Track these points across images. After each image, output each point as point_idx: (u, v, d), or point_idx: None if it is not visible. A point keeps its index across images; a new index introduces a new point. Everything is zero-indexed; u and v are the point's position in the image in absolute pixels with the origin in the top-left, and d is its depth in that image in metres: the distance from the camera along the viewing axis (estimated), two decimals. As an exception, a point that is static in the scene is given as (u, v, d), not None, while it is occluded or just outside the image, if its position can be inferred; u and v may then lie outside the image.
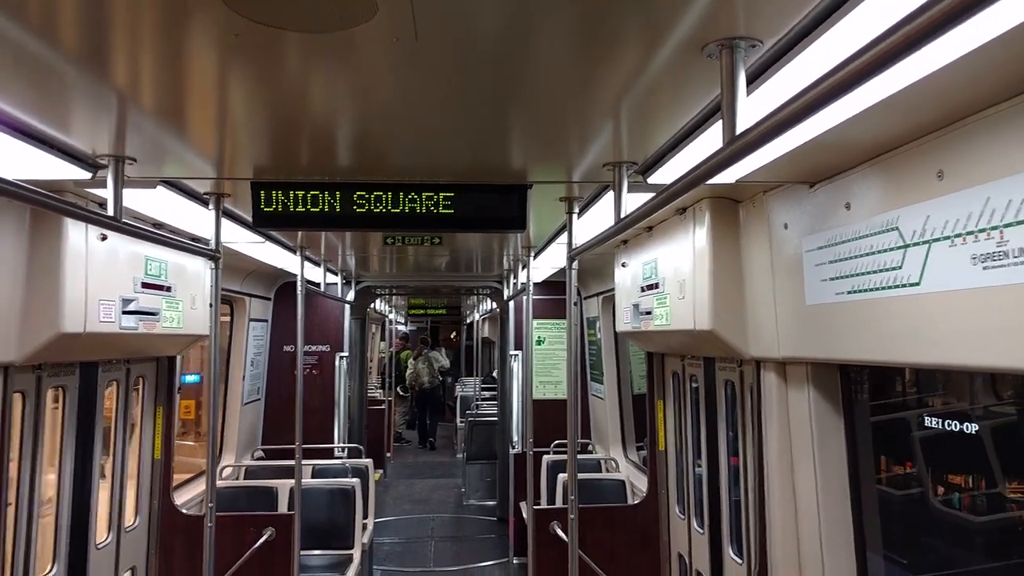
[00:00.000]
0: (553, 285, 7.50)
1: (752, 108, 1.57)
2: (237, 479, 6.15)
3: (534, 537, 4.86)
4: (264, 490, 5.56)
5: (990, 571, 3.28)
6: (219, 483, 5.69)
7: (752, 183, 2.96)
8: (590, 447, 7.34)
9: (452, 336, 22.41)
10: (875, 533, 3.03)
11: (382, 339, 16.96)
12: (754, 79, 1.71)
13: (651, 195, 2.28)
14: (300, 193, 3.02)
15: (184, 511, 4.74)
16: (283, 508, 5.42)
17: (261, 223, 3.08)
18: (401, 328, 20.45)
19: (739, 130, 1.53)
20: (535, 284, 7.00)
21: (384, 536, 8.58)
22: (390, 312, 16.06)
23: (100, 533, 4.14)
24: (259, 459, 6.76)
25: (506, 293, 7.84)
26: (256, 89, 1.99)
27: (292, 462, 4.91)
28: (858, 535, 2.98)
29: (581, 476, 5.94)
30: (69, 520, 3.84)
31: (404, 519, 9.49)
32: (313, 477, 6.20)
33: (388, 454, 12.76)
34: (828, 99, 1.18)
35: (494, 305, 10.96)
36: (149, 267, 3.75)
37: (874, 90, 1.78)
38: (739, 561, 3.84)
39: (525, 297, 5.51)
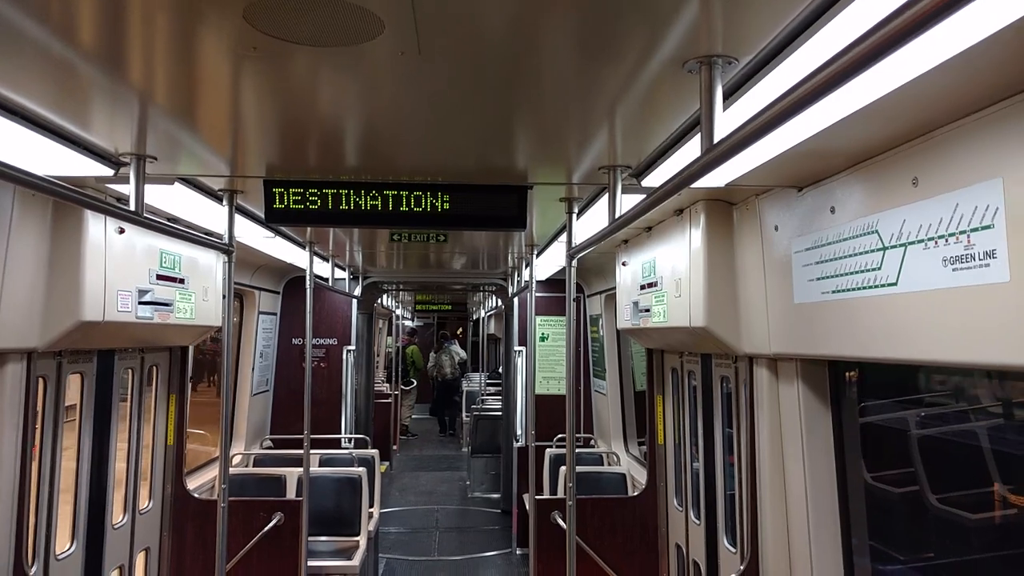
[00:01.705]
0: (556, 283, 7.63)
1: (730, 119, 1.69)
2: (247, 467, 6.31)
3: (535, 527, 4.99)
4: (273, 478, 5.72)
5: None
6: (230, 470, 5.85)
7: (744, 187, 3.07)
8: (592, 442, 7.46)
9: (458, 332, 22.57)
10: (861, 523, 3.15)
11: (389, 334, 17.14)
12: (732, 92, 1.84)
13: (644, 196, 2.40)
14: (310, 191, 3.15)
15: (196, 495, 4.90)
16: (291, 495, 5.57)
17: (273, 219, 3.21)
18: (408, 324, 20.66)
19: (716, 139, 1.65)
20: (539, 282, 7.14)
21: (390, 526, 8.73)
22: (397, 307, 16.22)
23: (116, 514, 4.29)
24: (267, 448, 6.92)
25: (510, 290, 7.97)
26: (269, 94, 2.11)
27: (300, 451, 5.06)
28: (844, 525, 3.09)
29: (583, 469, 6.08)
30: (87, 501, 4.00)
31: (409, 510, 9.65)
32: (320, 466, 6.35)
33: (394, 447, 12.92)
34: (791, 113, 1.30)
35: (499, 302, 11.10)
36: (164, 260, 3.89)
37: (851, 100, 1.90)
38: (733, 551, 3.96)
39: (528, 294, 5.64)
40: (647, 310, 4.25)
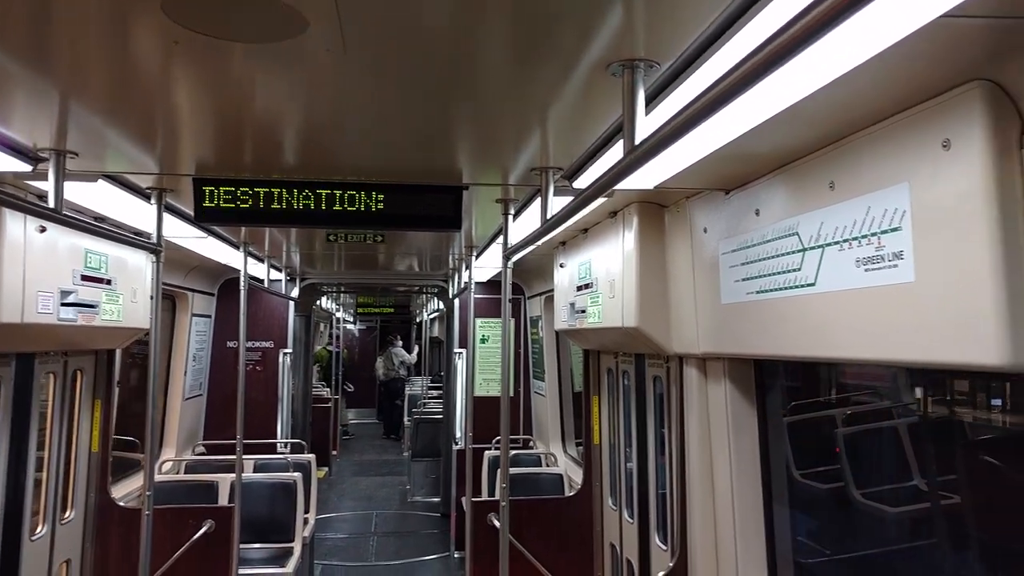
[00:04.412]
0: (497, 284, 7.62)
1: (653, 122, 1.73)
2: (177, 473, 6.15)
3: (472, 529, 4.99)
4: (204, 484, 5.58)
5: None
6: (158, 477, 5.69)
7: (675, 189, 3.14)
8: (531, 443, 7.51)
9: (397, 335, 22.47)
10: (784, 517, 3.25)
11: (330, 337, 16.96)
12: (656, 96, 1.88)
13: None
14: (241, 189, 3.10)
15: (121, 504, 4.75)
16: (223, 502, 5.45)
17: (203, 218, 3.16)
18: (349, 327, 20.50)
19: (637, 141, 1.69)
20: (480, 284, 7.15)
21: (327, 532, 8.62)
22: (338, 310, 16.03)
23: (35, 525, 4.13)
24: (200, 454, 6.75)
25: (451, 292, 7.96)
26: (197, 90, 2.07)
27: (233, 457, 4.96)
28: (768, 519, 3.18)
29: (521, 471, 6.11)
30: (2, 512, 3.84)
31: (348, 515, 9.54)
32: (255, 472, 6.23)
33: (334, 452, 12.75)
34: (704, 115, 1.34)
35: (442, 304, 11.06)
36: (89, 260, 3.77)
37: (769, 104, 1.96)
38: (664, 548, 4.03)
39: (468, 296, 5.64)
40: (583, 311, 4.31)
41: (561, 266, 4.91)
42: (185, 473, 6.16)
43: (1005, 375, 2.09)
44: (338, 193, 3.13)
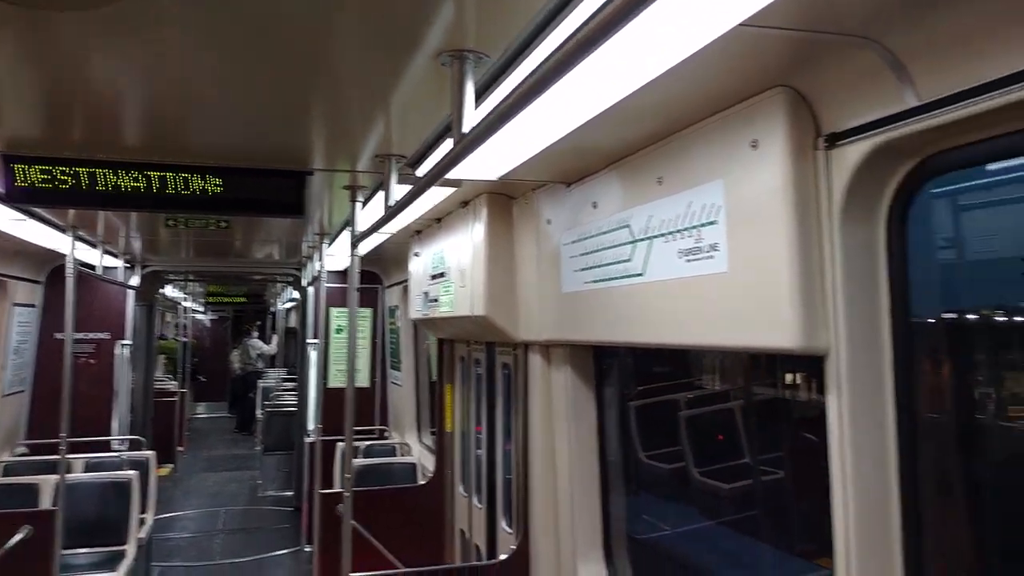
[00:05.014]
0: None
1: (482, 114, 1.77)
2: (-7, 477, 5.63)
3: (321, 521, 4.90)
4: (24, 487, 5.14)
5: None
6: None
7: (521, 181, 3.21)
8: (386, 433, 7.45)
9: (256, 324, 21.66)
10: (620, 495, 3.41)
11: (176, 328, 16.07)
12: (487, 88, 1.92)
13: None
14: (60, 168, 2.88)
15: None
16: (46, 505, 5.04)
17: (15, 198, 2.93)
18: (200, 317, 19.56)
19: (465, 130, 1.72)
20: (335, 272, 7.00)
21: (170, 532, 8.19)
22: (186, 299, 15.22)
23: None
24: (21, 455, 6.22)
25: (304, 281, 7.75)
26: (3, 60, 1.90)
27: (58, 456, 4.60)
28: (604, 499, 3.33)
29: (374, 461, 6.06)
30: None
31: (193, 513, 9.10)
32: (86, 472, 5.82)
33: (180, 448, 12.12)
34: (522, 105, 1.38)
35: (297, 293, 10.74)
36: None
37: (598, 100, 2.04)
38: (509, 531, 4.13)
39: (320, 285, 5.51)
40: (436, 300, 4.32)
41: (416, 255, 4.90)
42: (3, 475, 5.65)
43: (801, 357, 2.28)
44: (170, 175, 2.97)
